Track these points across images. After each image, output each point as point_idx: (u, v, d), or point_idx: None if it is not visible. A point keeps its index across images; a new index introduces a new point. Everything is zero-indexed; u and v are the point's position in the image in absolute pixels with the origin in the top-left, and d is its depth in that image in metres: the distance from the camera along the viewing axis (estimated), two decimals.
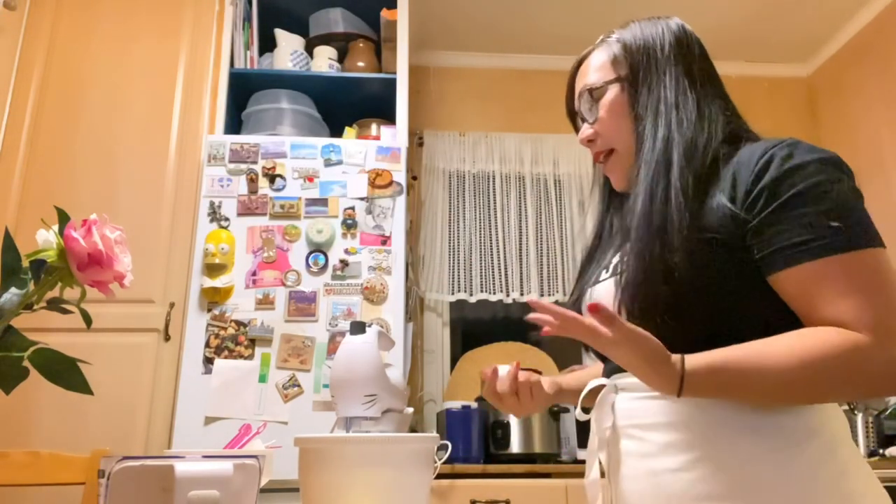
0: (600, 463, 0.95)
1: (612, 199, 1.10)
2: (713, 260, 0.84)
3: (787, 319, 0.83)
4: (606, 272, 1.01)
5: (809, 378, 0.77)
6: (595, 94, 1.02)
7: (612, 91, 1.00)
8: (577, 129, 1.10)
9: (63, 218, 0.80)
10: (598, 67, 1.03)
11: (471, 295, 2.96)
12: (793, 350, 0.78)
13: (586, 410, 0.99)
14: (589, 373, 1.15)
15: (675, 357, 0.80)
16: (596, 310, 0.77)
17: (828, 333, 0.78)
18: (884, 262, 0.81)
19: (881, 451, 2.49)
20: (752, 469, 0.80)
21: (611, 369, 0.99)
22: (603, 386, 0.97)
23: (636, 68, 0.99)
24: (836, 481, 0.80)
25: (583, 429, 2.55)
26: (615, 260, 1.01)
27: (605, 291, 0.97)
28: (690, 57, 1.01)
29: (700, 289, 0.84)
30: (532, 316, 0.83)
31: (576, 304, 1.05)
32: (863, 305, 0.78)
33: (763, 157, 0.86)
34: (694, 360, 0.80)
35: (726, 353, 0.80)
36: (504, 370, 1.06)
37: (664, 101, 0.96)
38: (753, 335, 0.82)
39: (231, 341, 2.05)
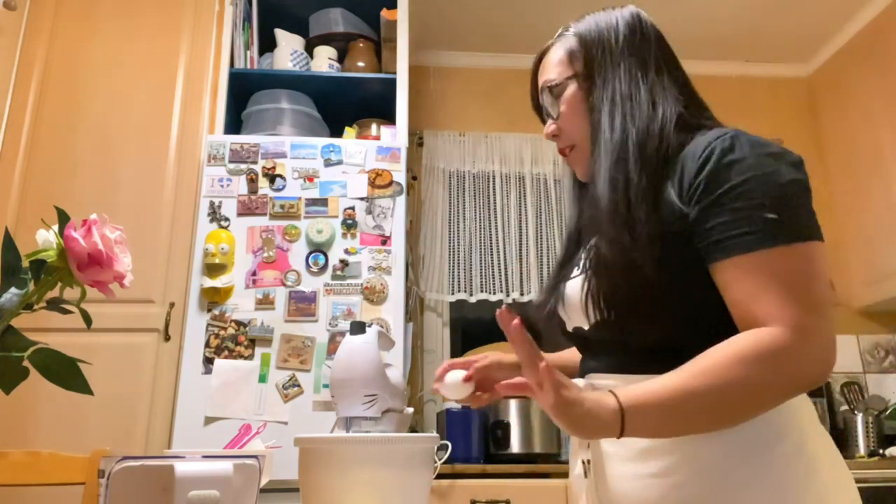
0: (583, 463, 0.96)
1: (583, 193, 1.08)
2: (670, 253, 0.85)
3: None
4: (578, 269, 1.01)
5: (738, 393, 0.77)
6: (555, 91, 1.02)
7: (571, 87, 1.01)
8: (543, 123, 1.10)
9: (63, 218, 0.80)
10: (556, 63, 1.04)
11: (471, 295, 2.96)
12: (716, 370, 0.77)
13: None
14: (560, 355, 1.14)
15: (611, 398, 0.78)
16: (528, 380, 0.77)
17: (745, 342, 0.77)
18: (817, 256, 0.81)
19: (881, 451, 2.49)
20: (725, 474, 0.81)
21: (586, 369, 0.98)
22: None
23: (590, 63, 1.00)
24: (805, 479, 0.81)
25: None
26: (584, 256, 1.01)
27: (574, 288, 0.96)
28: (645, 46, 1.00)
29: (658, 283, 0.84)
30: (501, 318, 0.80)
31: (550, 301, 1.03)
32: (784, 302, 0.78)
33: (706, 149, 0.86)
34: (632, 409, 0.77)
35: (654, 386, 0.78)
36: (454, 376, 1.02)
37: (618, 92, 0.96)
38: (711, 333, 0.81)
39: (231, 341, 2.05)
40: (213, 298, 2.09)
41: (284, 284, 2.11)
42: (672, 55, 1.03)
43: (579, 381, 0.96)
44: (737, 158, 0.83)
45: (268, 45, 2.63)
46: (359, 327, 1.09)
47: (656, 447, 0.85)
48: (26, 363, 0.78)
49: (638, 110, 0.94)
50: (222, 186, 2.20)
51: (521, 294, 2.97)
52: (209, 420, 1.98)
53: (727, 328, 0.82)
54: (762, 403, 0.79)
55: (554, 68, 1.04)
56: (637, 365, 0.87)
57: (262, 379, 2.02)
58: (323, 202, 2.20)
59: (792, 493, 0.80)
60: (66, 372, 0.80)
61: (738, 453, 0.81)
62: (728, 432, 0.81)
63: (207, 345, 2.05)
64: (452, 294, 2.96)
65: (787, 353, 0.76)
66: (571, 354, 1.12)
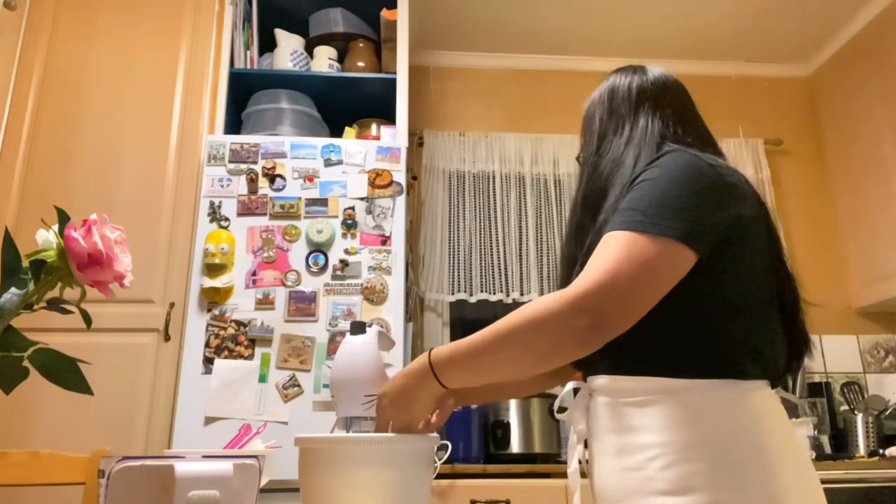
0: (579, 456, 1.06)
1: None
2: None
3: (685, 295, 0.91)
4: None
5: (516, 349, 0.91)
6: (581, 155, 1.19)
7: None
8: None
9: (63, 218, 0.80)
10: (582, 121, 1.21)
11: (471, 295, 2.96)
12: (501, 330, 0.92)
13: (562, 410, 1.10)
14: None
15: (423, 358, 0.97)
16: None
17: (531, 309, 0.90)
18: (649, 250, 0.88)
19: (881, 451, 2.49)
20: (688, 473, 0.88)
21: (586, 371, 1.06)
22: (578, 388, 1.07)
23: (583, 130, 1.17)
24: (764, 481, 0.87)
25: None
26: None
27: None
28: (624, 106, 1.12)
29: None
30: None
31: None
32: (589, 273, 0.88)
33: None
34: (437, 352, 0.96)
35: (459, 347, 0.95)
36: None
37: (594, 144, 1.11)
38: (690, 332, 0.92)
39: (231, 341, 2.05)
40: (213, 298, 2.09)
41: (284, 284, 2.11)
42: (659, 98, 1.11)
43: (579, 384, 1.08)
44: (651, 166, 0.97)
45: (268, 45, 2.62)
46: (359, 327, 1.09)
47: (632, 445, 0.94)
48: (26, 363, 0.78)
49: (609, 153, 1.07)
50: (222, 186, 2.20)
51: (521, 294, 2.97)
52: (209, 420, 1.98)
53: (708, 324, 0.91)
54: (531, 355, 0.91)
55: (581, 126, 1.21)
56: (629, 365, 0.95)
57: (262, 379, 2.02)
58: (323, 202, 2.20)
59: (749, 492, 0.86)
60: (66, 372, 0.80)
61: (699, 454, 0.89)
62: (691, 434, 0.89)
63: (207, 345, 2.05)
64: (452, 294, 2.96)
65: (552, 312, 0.88)
66: None
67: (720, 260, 0.92)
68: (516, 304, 2.96)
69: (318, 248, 2.15)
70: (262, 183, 2.21)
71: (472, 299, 2.96)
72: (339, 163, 2.24)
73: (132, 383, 2.06)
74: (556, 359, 0.92)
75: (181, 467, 0.80)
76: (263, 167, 2.22)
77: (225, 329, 2.06)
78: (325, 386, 2.01)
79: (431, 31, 3.14)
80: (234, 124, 2.51)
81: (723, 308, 0.93)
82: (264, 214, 2.18)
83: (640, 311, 0.88)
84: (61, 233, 0.79)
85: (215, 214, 2.17)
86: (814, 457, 2.38)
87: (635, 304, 0.88)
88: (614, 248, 0.89)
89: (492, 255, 3.01)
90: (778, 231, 1.03)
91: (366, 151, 2.26)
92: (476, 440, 2.32)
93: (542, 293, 2.98)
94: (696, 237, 0.89)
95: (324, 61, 2.57)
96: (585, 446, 1.06)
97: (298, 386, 2.02)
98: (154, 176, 2.26)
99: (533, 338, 0.90)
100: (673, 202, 0.91)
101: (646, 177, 0.95)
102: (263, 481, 0.91)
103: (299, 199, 2.20)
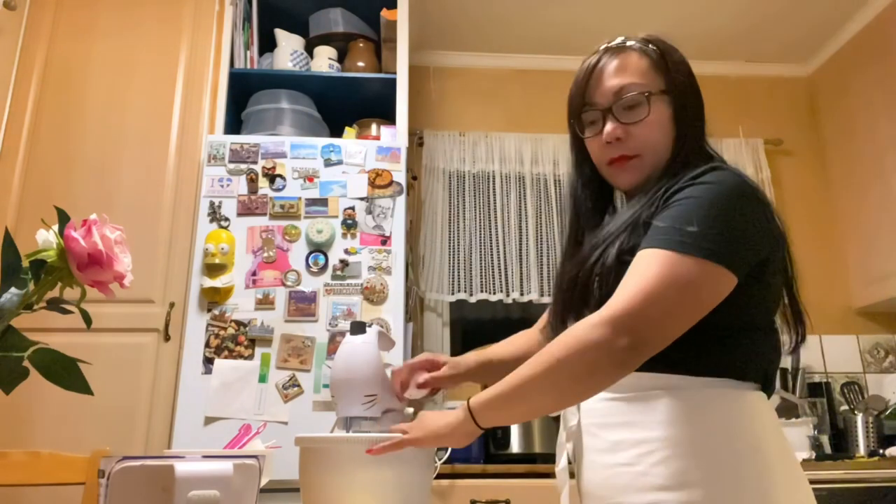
0: (567, 454, 1.05)
1: (603, 202, 1.14)
2: None
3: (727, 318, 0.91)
4: None
5: (554, 380, 0.89)
6: (652, 98, 1.01)
7: (662, 101, 1.03)
8: (577, 115, 1.10)
9: (63, 218, 0.80)
10: (642, 71, 1.04)
11: (471, 295, 2.96)
12: (540, 358, 0.90)
13: None
14: (520, 342, 1.24)
15: (462, 407, 0.97)
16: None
17: (571, 328, 0.89)
18: (691, 273, 0.86)
19: (881, 451, 2.49)
20: (683, 468, 0.88)
21: None
22: None
23: (683, 88, 1.05)
24: (758, 477, 0.88)
25: None
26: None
27: None
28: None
29: None
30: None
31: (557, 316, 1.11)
32: (623, 294, 0.87)
33: (691, 173, 0.96)
34: (476, 401, 0.96)
35: (499, 384, 0.94)
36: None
37: (698, 124, 1.05)
38: (706, 330, 0.89)
39: (231, 341, 2.05)
40: (213, 298, 2.09)
41: (284, 284, 2.11)
42: None
43: None
44: (696, 182, 0.93)
45: (268, 45, 2.62)
46: (359, 327, 1.09)
47: (625, 441, 0.93)
48: (26, 363, 0.78)
49: (697, 140, 1.03)
50: (222, 186, 2.20)
51: (521, 294, 2.97)
52: (209, 420, 1.98)
53: (716, 331, 0.91)
54: (572, 384, 0.89)
55: (641, 75, 1.03)
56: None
57: (262, 379, 2.02)
58: (323, 202, 2.20)
59: (743, 489, 0.87)
60: (66, 372, 0.80)
61: (695, 450, 0.89)
62: (687, 429, 0.90)
63: (207, 345, 2.05)
64: (452, 294, 2.96)
65: (589, 336, 0.87)
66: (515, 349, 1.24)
67: (744, 280, 0.91)
68: (516, 304, 2.97)
69: (318, 248, 2.15)
70: (262, 183, 2.21)
71: (472, 299, 2.95)
72: (339, 163, 2.24)
73: (132, 383, 2.06)
74: (597, 382, 0.90)
75: (181, 467, 0.80)
76: (263, 167, 2.22)
77: (225, 329, 2.06)
78: (325, 386, 2.01)
79: (431, 31, 3.14)
80: (234, 124, 2.51)
81: (735, 319, 0.93)
82: (264, 214, 2.18)
83: (679, 332, 0.87)
84: (61, 233, 0.79)
85: (215, 214, 2.17)
86: (814, 457, 2.38)
87: (674, 326, 0.87)
88: (655, 267, 0.87)
89: (492, 255, 3.01)
90: (791, 249, 1.01)
91: (366, 151, 2.26)
92: (476, 440, 2.31)
93: (542, 293, 2.98)
94: (739, 262, 0.89)
95: (324, 61, 2.57)
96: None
97: (298, 386, 2.02)
98: (154, 176, 2.26)
99: (569, 367, 0.88)
100: (720, 226, 0.88)
101: (689, 194, 0.92)
102: (263, 481, 0.91)
103: (299, 199, 2.20)
